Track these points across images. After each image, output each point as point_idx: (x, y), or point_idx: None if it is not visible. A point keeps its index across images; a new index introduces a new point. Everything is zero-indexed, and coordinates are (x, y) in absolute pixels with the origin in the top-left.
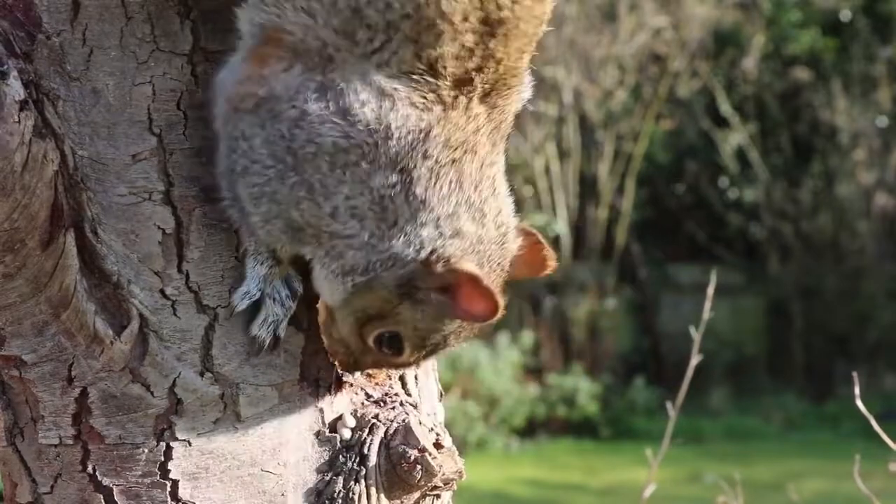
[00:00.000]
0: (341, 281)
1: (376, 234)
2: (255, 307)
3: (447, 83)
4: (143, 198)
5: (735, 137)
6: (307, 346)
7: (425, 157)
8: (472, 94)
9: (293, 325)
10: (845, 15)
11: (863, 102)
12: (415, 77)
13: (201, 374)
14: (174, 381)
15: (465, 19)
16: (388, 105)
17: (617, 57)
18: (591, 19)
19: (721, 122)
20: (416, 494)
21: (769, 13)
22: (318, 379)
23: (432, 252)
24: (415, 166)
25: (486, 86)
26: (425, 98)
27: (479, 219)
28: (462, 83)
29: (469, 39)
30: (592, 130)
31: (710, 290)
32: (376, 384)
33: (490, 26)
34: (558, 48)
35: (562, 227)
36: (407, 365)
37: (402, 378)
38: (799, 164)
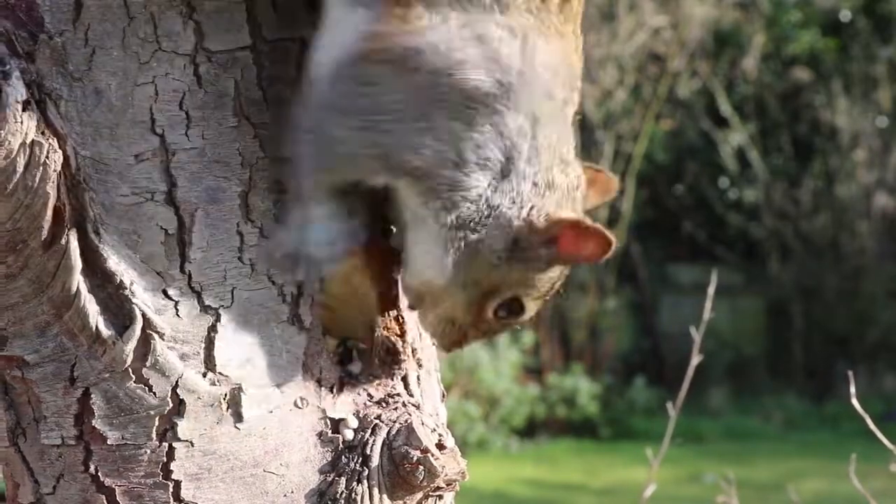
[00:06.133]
0: (452, 237)
1: (492, 186)
2: (299, 253)
3: (555, 7)
4: (146, 198)
5: (735, 137)
6: (309, 346)
7: (550, 98)
8: (570, 16)
9: (295, 326)
10: (845, 15)
11: (863, 102)
12: (533, 11)
13: (204, 375)
14: (176, 381)
15: None
16: (522, 43)
17: (616, 56)
18: (589, 19)
19: (721, 122)
20: (419, 495)
21: (769, 13)
22: (320, 379)
23: (532, 208)
24: (542, 110)
25: (579, 6)
26: (548, 30)
27: (565, 170)
28: (564, 2)
29: None
30: (592, 130)
31: (711, 291)
32: (378, 385)
33: None
34: None
35: None
36: (524, 323)
37: (404, 378)
38: (799, 164)
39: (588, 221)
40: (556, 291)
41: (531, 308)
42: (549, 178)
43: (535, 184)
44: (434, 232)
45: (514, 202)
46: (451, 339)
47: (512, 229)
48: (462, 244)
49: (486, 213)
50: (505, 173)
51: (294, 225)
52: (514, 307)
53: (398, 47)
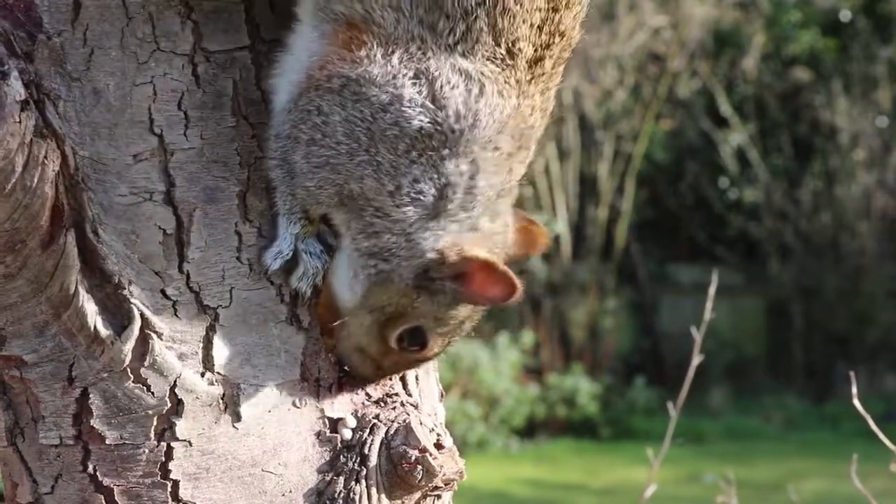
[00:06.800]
0: (363, 264)
1: (419, 223)
2: (292, 263)
3: (523, 64)
4: (144, 198)
5: (735, 137)
6: (307, 346)
7: (495, 149)
8: (539, 80)
9: (294, 326)
10: (845, 15)
11: (863, 102)
12: (497, 62)
13: (202, 375)
14: (175, 381)
15: None
16: (477, 91)
17: (616, 56)
18: (589, 18)
19: (721, 122)
20: (417, 495)
21: (769, 13)
22: (318, 379)
23: (447, 242)
24: (484, 158)
25: (552, 63)
26: (508, 83)
27: (493, 218)
28: (534, 62)
29: (537, 18)
30: (592, 130)
31: (711, 291)
32: (377, 384)
33: (554, 1)
34: None
35: (562, 227)
36: (429, 358)
37: (402, 378)
38: (799, 164)
39: (499, 264)
40: (454, 337)
41: (435, 343)
42: (476, 223)
43: (461, 224)
44: (347, 253)
45: (433, 237)
46: (364, 369)
47: (424, 259)
48: (373, 271)
49: (403, 245)
50: (435, 212)
51: (275, 242)
52: (417, 338)
53: (338, 76)
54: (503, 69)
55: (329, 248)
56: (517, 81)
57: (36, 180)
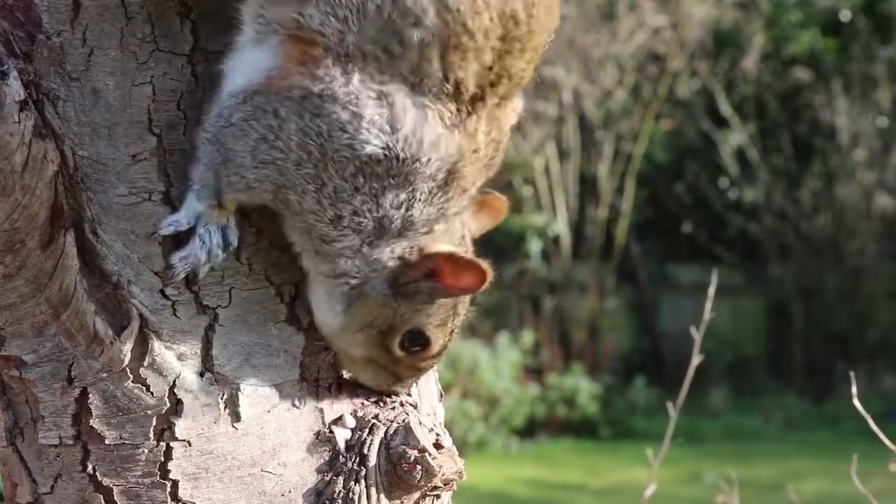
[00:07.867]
0: (334, 283)
1: (366, 243)
2: (184, 240)
3: (466, 100)
4: (143, 198)
5: (735, 137)
6: (307, 345)
7: (432, 178)
8: (481, 116)
9: (293, 326)
10: (845, 15)
11: (863, 102)
12: (442, 98)
13: (201, 375)
14: (174, 381)
15: (487, 37)
16: (421, 120)
17: (616, 56)
18: (589, 18)
19: (721, 122)
20: (416, 495)
21: (769, 13)
22: (317, 379)
23: (405, 247)
24: (420, 186)
25: (496, 99)
26: (452, 116)
27: (447, 223)
28: (476, 99)
29: (488, 58)
30: (592, 130)
31: (711, 291)
32: None
33: (508, 43)
34: (557, 47)
35: (562, 227)
36: (440, 354)
37: None
38: (799, 164)
39: (461, 253)
40: (454, 324)
41: (438, 337)
42: (429, 227)
43: (415, 233)
44: (319, 280)
45: (386, 247)
46: (385, 381)
47: (387, 269)
48: (346, 288)
49: (362, 263)
50: (379, 234)
51: (178, 212)
52: (419, 338)
53: (299, 87)
54: (448, 103)
55: (227, 246)
56: (458, 115)
57: (35, 180)
